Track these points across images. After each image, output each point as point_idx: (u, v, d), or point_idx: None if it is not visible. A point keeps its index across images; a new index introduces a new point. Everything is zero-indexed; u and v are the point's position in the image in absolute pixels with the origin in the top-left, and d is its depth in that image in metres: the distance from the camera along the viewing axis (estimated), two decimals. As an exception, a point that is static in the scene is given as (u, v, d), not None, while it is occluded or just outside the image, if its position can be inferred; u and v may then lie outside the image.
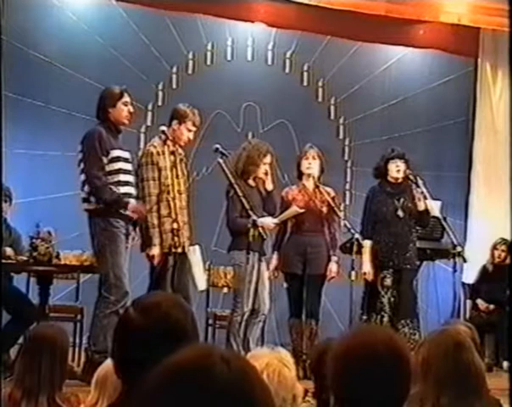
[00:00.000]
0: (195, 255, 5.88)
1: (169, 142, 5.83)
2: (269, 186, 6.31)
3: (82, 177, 5.42)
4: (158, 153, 5.76)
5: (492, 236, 8.11)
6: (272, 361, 2.59)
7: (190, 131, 5.84)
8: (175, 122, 5.85)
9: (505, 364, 7.24)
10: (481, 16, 8.68)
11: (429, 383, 2.56)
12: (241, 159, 6.20)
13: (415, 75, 8.99)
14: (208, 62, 8.55)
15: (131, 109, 5.54)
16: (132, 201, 5.41)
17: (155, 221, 5.71)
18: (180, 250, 5.76)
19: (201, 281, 5.91)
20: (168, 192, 5.75)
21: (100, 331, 5.31)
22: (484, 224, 8.79)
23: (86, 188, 5.40)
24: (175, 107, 5.97)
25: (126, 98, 5.50)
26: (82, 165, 5.42)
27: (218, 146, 6.05)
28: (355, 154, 8.87)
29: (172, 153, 5.85)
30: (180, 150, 5.95)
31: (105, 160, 5.39)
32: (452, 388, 2.54)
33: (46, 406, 3.22)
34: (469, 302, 8.12)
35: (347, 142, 8.94)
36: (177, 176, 5.84)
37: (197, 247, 5.94)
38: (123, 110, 5.48)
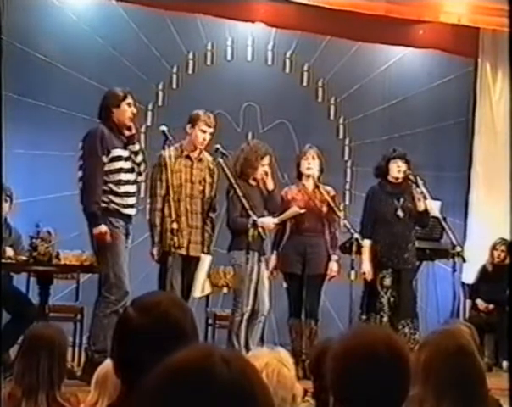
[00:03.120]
0: (203, 263, 5.92)
1: (185, 147, 5.94)
2: (270, 186, 6.31)
3: (79, 174, 5.44)
4: (168, 156, 5.84)
5: (492, 236, 8.11)
6: (271, 361, 2.58)
7: (204, 131, 5.93)
8: (188, 126, 5.97)
9: (505, 364, 7.24)
10: (481, 16, 8.68)
11: (429, 386, 2.55)
12: (238, 162, 6.22)
13: (415, 75, 8.99)
14: (208, 62, 8.55)
15: (134, 111, 5.59)
16: (103, 227, 5.34)
17: (157, 221, 5.86)
18: (181, 252, 5.79)
19: (198, 289, 5.93)
20: (170, 194, 5.79)
21: (100, 331, 5.32)
22: (484, 224, 8.79)
23: (80, 185, 5.42)
24: (190, 113, 6.04)
25: (130, 100, 5.55)
26: (81, 162, 5.44)
27: (218, 146, 6.07)
28: (355, 154, 8.87)
29: (188, 157, 5.93)
30: (206, 156, 6.05)
31: (105, 159, 5.41)
32: (452, 393, 2.53)
33: (45, 404, 3.22)
34: (468, 302, 8.13)
35: (347, 142, 8.94)
36: (191, 181, 5.91)
37: (208, 256, 5.99)
38: (126, 111, 5.52)
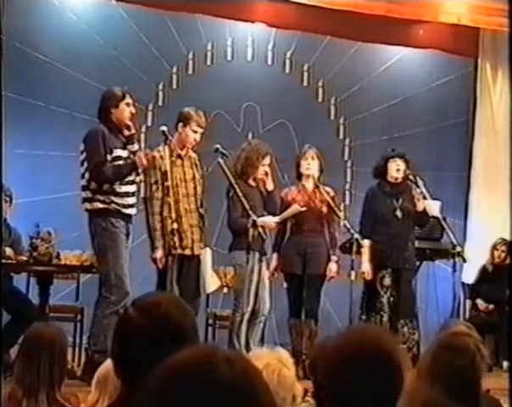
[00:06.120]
0: (205, 257, 5.91)
1: (175, 146, 5.87)
2: (270, 187, 6.31)
3: (86, 175, 5.43)
4: (161, 157, 5.80)
5: (492, 236, 8.11)
6: (272, 361, 2.59)
7: (195, 132, 5.89)
8: (180, 125, 5.91)
9: (505, 364, 7.24)
10: (481, 16, 8.68)
11: (435, 391, 2.54)
12: (239, 161, 6.21)
13: (415, 75, 8.98)
14: (208, 62, 8.55)
15: (133, 110, 5.59)
16: (139, 153, 5.49)
17: (157, 225, 5.79)
18: (183, 252, 5.78)
19: (209, 284, 5.93)
20: (168, 195, 5.77)
21: (100, 331, 5.32)
22: (484, 224, 8.79)
23: (93, 185, 5.41)
24: (180, 110, 5.99)
25: (128, 99, 5.55)
26: (86, 164, 5.43)
27: (218, 146, 6.06)
28: (355, 154, 8.87)
29: (179, 156, 5.88)
30: (191, 154, 6.00)
31: (108, 158, 5.41)
32: (451, 393, 2.52)
33: (46, 404, 3.23)
34: (468, 302, 8.13)
35: (347, 142, 8.94)
36: (185, 180, 5.88)
37: (207, 250, 5.98)
38: (125, 111, 5.52)
